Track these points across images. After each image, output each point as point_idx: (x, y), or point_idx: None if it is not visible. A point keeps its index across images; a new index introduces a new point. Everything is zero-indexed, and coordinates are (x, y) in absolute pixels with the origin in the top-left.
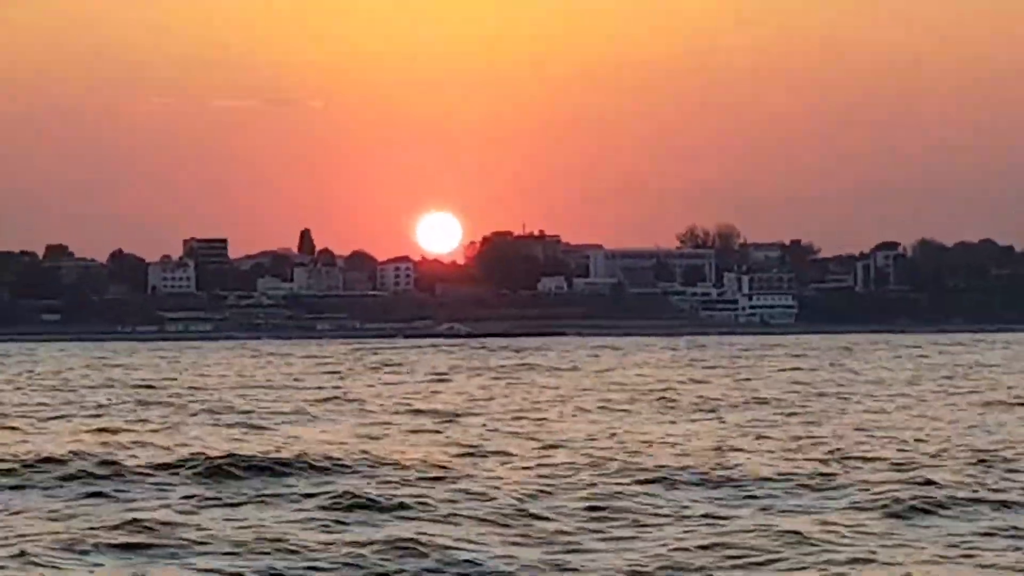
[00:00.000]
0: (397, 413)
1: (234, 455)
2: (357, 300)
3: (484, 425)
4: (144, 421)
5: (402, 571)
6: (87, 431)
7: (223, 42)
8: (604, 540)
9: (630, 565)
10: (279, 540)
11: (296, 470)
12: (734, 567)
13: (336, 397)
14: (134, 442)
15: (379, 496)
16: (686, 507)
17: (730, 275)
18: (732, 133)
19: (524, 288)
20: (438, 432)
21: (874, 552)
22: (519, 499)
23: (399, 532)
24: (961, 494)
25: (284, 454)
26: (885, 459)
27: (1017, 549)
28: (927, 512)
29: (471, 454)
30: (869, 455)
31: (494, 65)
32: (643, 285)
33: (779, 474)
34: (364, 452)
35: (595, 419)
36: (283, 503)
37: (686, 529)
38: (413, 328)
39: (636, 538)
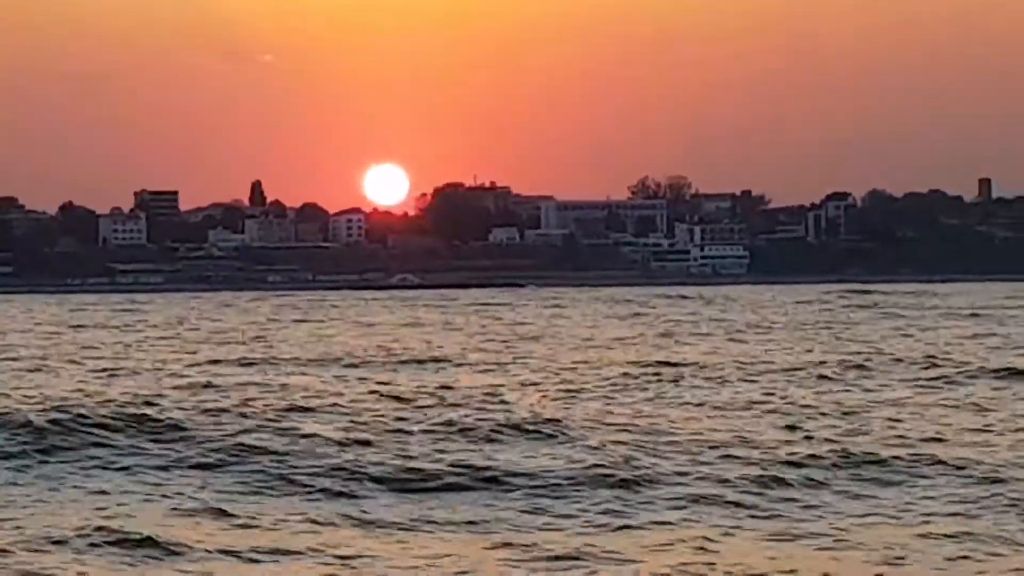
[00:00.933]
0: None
1: None
2: (309, 252)
3: None
4: None
5: None
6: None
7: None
8: None
9: None
10: None
11: None
12: None
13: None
14: None
15: None
16: None
17: (681, 226)
18: (683, 84)
19: (475, 239)
20: None
21: None
22: None
23: None
24: None
25: None
26: None
27: None
28: None
29: None
30: None
31: (444, 17)
32: (595, 236)
33: None
34: None
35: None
36: None
37: None
38: (365, 280)
39: None
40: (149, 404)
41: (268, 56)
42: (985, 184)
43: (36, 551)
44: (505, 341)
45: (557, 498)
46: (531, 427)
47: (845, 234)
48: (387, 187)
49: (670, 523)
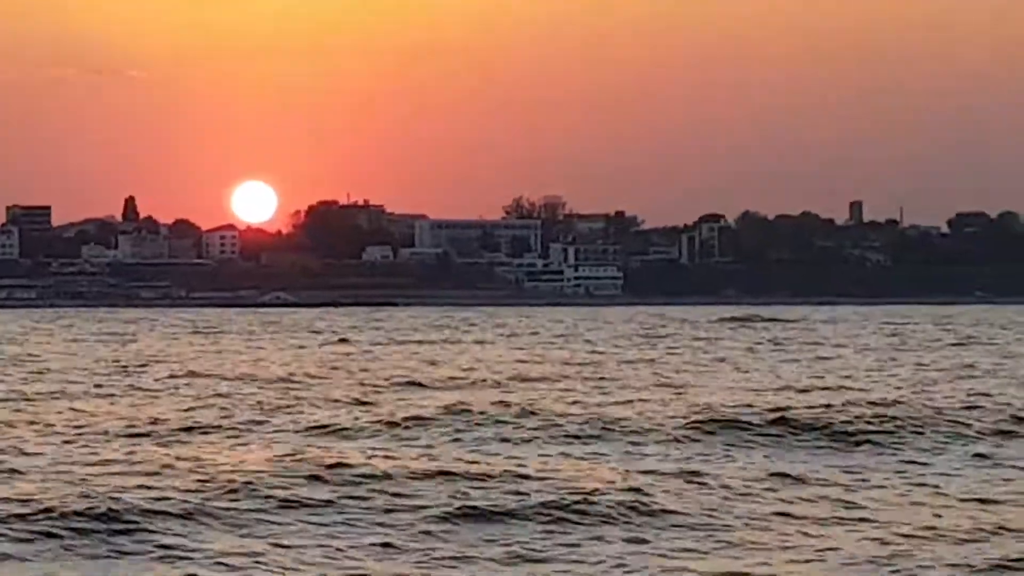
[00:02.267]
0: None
1: None
2: (182, 268)
3: None
4: None
5: None
6: None
7: (42, 11)
8: None
9: None
10: None
11: None
12: None
13: None
14: None
15: None
16: None
17: (556, 246)
18: (557, 103)
19: (349, 257)
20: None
21: None
22: None
23: None
24: None
25: None
26: None
27: None
28: None
29: None
30: None
31: (315, 33)
32: (469, 255)
33: None
34: None
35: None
36: None
37: None
38: (239, 297)
39: None
40: None
41: (135, 71)
42: (856, 207)
43: None
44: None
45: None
46: None
47: (719, 256)
48: (257, 204)
49: None
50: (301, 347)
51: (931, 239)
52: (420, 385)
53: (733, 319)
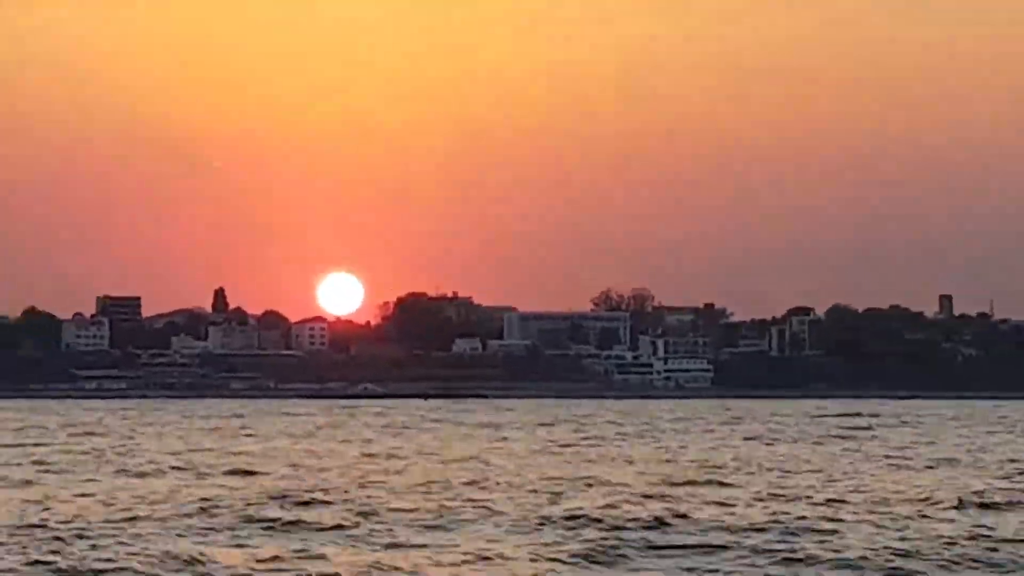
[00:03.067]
0: None
1: None
2: (271, 359)
3: None
4: None
5: None
6: None
7: (126, 104)
8: None
9: None
10: None
11: None
12: None
13: None
14: None
15: None
16: None
17: (645, 338)
18: (645, 197)
19: (438, 349)
20: None
21: None
22: None
23: None
24: None
25: None
26: None
27: None
28: None
29: None
30: None
31: (399, 127)
32: (558, 347)
33: None
34: None
35: None
36: None
37: None
38: (327, 389)
39: None
40: None
41: (218, 162)
42: (946, 300)
43: None
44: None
45: None
46: None
47: (809, 348)
48: (344, 296)
49: None
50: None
51: None
52: None
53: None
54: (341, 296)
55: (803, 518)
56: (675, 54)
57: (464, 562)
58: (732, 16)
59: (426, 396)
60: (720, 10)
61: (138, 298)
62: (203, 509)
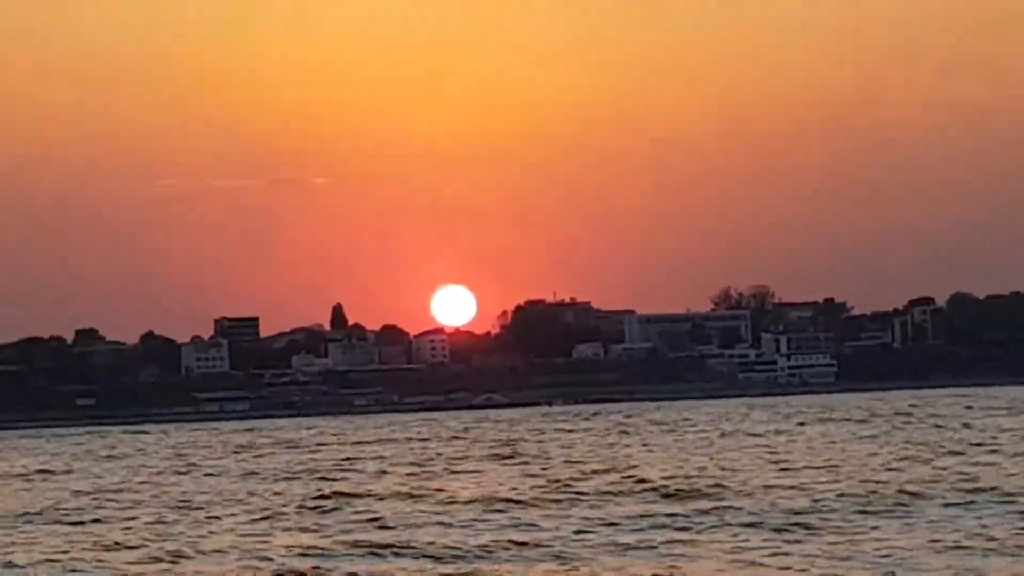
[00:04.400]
0: None
1: None
2: (393, 374)
3: None
4: None
5: None
6: None
7: (224, 123)
8: None
9: None
10: None
11: None
12: None
13: None
14: None
15: None
16: None
17: (767, 336)
18: (762, 193)
19: (559, 355)
20: None
21: None
22: None
23: None
24: None
25: None
26: None
27: None
28: None
29: None
30: None
31: (506, 136)
32: (679, 349)
33: None
34: None
35: None
36: None
37: None
38: (450, 400)
39: None
40: None
41: (319, 179)
42: None
43: None
44: None
45: None
46: None
47: (932, 339)
48: (457, 308)
49: None
50: None
51: None
52: None
53: None
54: (456, 308)
55: None
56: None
57: None
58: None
59: (550, 403)
60: None
61: (256, 318)
62: None
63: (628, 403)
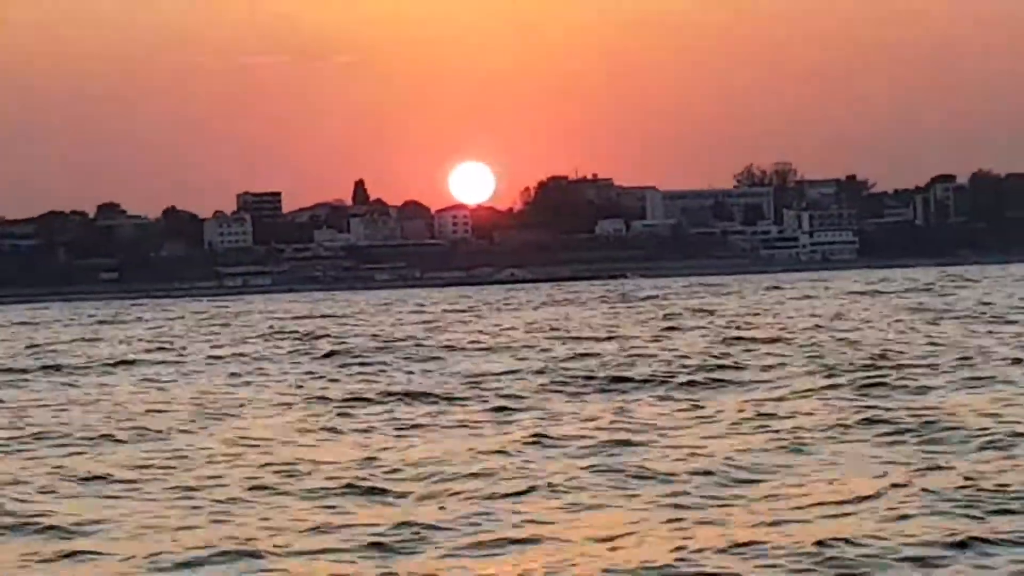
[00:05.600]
0: None
1: None
2: (415, 249)
3: None
4: None
5: None
6: None
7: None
8: None
9: None
10: None
11: None
12: None
13: None
14: None
15: None
16: None
17: (790, 212)
18: (784, 70)
19: (581, 232)
20: None
21: None
22: None
23: None
24: None
25: None
26: None
27: None
28: None
29: None
30: None
31: (532, 10)
32: (702, 225)
33: None
34: None
35: None
36: None
37: None
38: (473, 276)
39: None
40: None
41: (343, 57)
42: None
43: None
44: None
45: None
46: None
47: (954, 216)
48: (476, 184)
49: None
50: None
51: None
52: None
53: None
54: (474, 185)
55: None
56: None
57: None
58: None
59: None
60: None
61: (278, 193)
62: None
63: (653, 279)
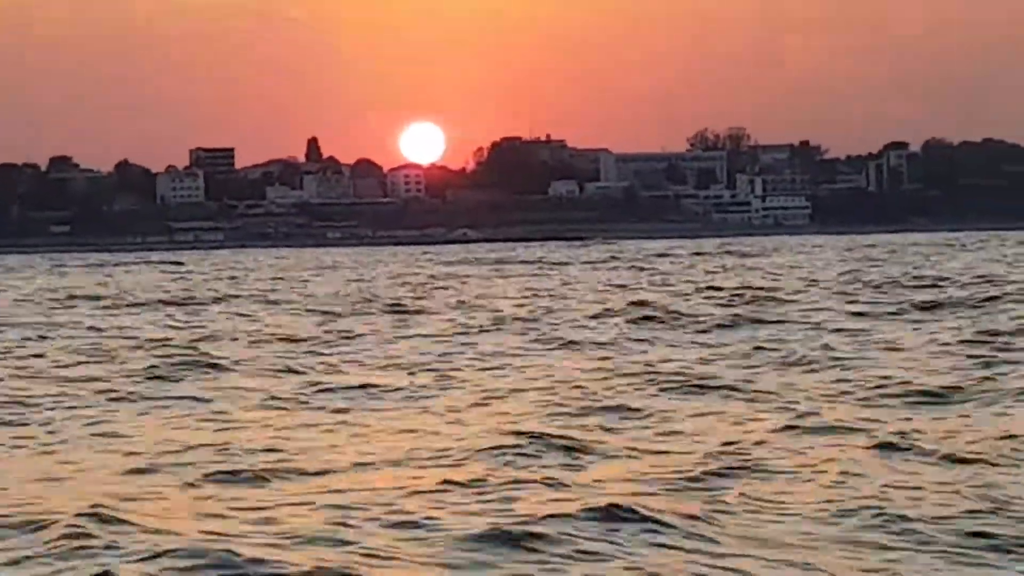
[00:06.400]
0: None
1: None
2: (368, 208)
3: None
4: None
5: None
6: None
7: None
8: None
9: None
10: None
11: None
12: None
13: None
14: None
15: None
16: None
17: (742, 177)
18: (738, 35)
19: (534, 193)
20: None
21: None
22: None
23: None
24: None
25: None
26: None
27: None
28: None
29: None
30: None
31: None
32: (655, 189)
33: None
34: None
35: None
36: None
37: None
38: (426, 235)
39: None
40: None
41: (294, 11)
42: None
43: None
44: None
45: None
46: None
47: (907, 183)
48: (426, 144)
49: None
50: None
51: None
52: None
53: None
54: (425, 144)
55: None
56: None
57: None
58: None
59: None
60: None
61: (231, 149)
62: None
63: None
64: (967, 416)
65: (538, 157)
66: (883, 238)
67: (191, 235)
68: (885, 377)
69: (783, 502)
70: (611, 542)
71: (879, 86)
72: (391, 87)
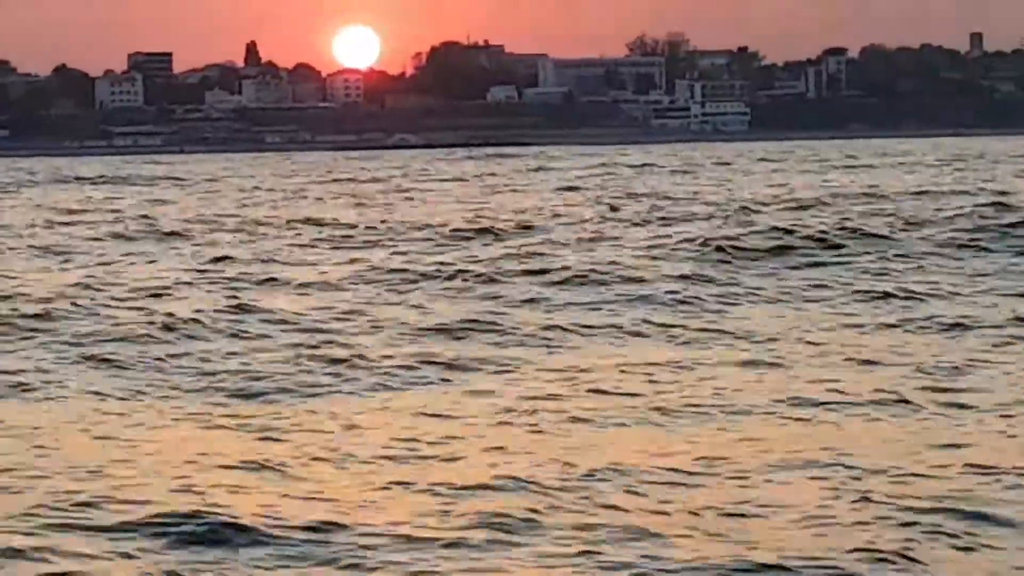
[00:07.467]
0: None
1: None
2: (307, 112)
3: None
4: None
5: None
6: None
7: None
8: None
9: None
10: None
11: None
12: None
13: None
14: None
15: None
16: None
17: (681, 83)
18: None
19: (473, 99)
20: None
21: None
22: None
23: None
24: None
25: None
26: None
27: None
28: None
29: None
30: None
31: None
32: (594, 94)
33: None
34: None
35: None
36: None
37: None
38: (364, 140)
39: None
40: None
41: None
42: (977, 38)
43: None
44: None
45: None
46: None
47: (846, 89)
48: (360, 48)
49: None
50: None
51: None
52: None
53: None
54: (359, 48)
55: None
56: None
57: None
58: None
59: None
60: None
61: (170, 54)
62: None
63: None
64: None
65: (476, 62)
66: (821, 144)
67: (130, 140)
68: None
69: None
70: None
71: None
72: None
